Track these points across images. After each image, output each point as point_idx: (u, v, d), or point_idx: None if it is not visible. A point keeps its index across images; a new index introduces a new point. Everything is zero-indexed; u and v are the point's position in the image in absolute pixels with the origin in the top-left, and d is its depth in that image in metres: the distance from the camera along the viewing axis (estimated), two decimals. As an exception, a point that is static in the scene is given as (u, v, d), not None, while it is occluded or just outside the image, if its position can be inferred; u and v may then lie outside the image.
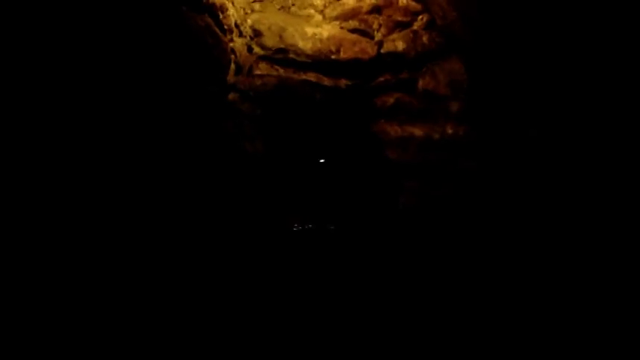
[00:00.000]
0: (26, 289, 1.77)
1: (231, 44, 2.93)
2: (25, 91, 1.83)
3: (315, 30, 3.20)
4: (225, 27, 2.85)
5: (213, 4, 2.71)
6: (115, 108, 2.16)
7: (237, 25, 3.01)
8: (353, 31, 3.24)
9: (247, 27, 3.14)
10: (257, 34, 3.17)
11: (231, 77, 2.94)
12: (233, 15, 2.95)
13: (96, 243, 2.07)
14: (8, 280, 1.72)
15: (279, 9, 3.26)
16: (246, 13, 3.15)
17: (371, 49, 3.20)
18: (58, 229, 1.92)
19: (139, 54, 2.27)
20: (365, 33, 3.24)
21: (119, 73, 2.17)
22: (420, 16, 3.26)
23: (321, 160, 3.33)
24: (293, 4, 3.28)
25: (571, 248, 2.49)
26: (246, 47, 3.13)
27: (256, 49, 3.17)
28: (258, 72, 3.15)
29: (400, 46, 3.22)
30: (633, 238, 2.21)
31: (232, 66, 2.96)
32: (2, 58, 1.75)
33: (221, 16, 2.80)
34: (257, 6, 3.22)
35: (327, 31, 3.21)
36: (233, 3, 2.99)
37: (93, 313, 2.02)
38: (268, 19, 3.19)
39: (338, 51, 3.19)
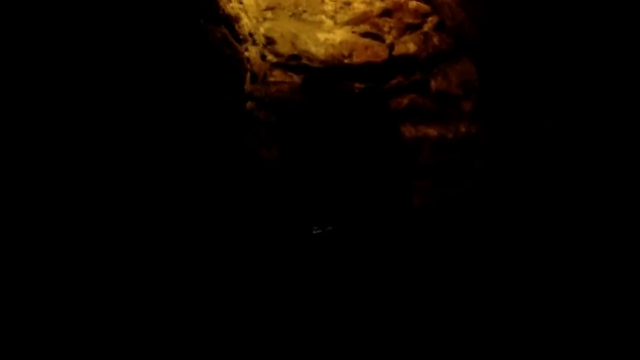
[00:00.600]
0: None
1: (246, 53, 2.97)
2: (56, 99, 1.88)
3: (327, 35, 3.25)
4: (241, 37, 2.90)
5: (229, 15, 2.76)
6: (140, 118, 2.21)
7: (251, 34, 3.05)
8: (364, 35, 3.28)
9: (260, 35, 3.19)
10: (270, 41, 3.22)
11: (247, 86, 2.99)
12: (247, 24, 3.00)
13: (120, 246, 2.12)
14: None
15: (290, 16, 3.31)
16: (259, 22, 3.20)
17: (383, 52, 3.25)
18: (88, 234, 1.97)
19: (163, 67, 2.32)
20: (376, 36, 3.28)
21: (144, 85, 2.22)
22: (430, 18, 3.31)
23: (337, 164, 3.38)
24: (304, 11, 3.32)
25: (588, 247, 2.52)
26: (259, 55, 3.17)
27: (270, 57, 3.22)
28: (272, 79, 3.20)
29: (411, 48, 3.27)
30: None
31: (248, 75, 3.00)
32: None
33: (236, 27, 2.84)
34: (269, 14, 3.27)
35: (339, 36, 3.26)
36: (246, 12, 3.03)
37: (110, 314, 2.06)
38: (281, 27, 3.24)
39: (350, 55, 3.24)
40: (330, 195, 3.38)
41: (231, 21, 2.80)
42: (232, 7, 2.84)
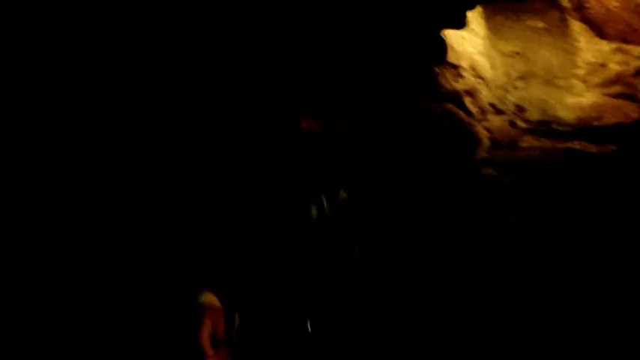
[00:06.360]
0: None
1: (484, 123, 3.21)
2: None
3: (577, 99, 3.21)
4: (473, 109, 3.17)
5: (454, 91, 3.09)
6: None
7: (492, 105, 3.27)
8: (615, 96, 3.12)
9: (509, 104, 3.36)
10: (520, 109, 3.35)
11: (483, 153, 3.21)
12: (485, 97, 3.25)
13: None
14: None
15: (540, 83, 3.38)
16: (507, 91, 3.38)
17: (634, 113, 3.03)
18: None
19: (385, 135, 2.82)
20: (629, 97, 3.09)
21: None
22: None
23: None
24: (555, 77, 3.35)
25: None
26: (508, 123, 3.34)
27: (520, 124, 3.35)
28: (523, 144, 3.32)
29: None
30: None
31: (487, 142, 3.22)
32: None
33: (466, 100, 3.14)
34: (519, 83, 3.41)
35: (588, 99, 3.18)
36: (487, 85, 3.28)
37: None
38: (530, 94, 3.35)
39: (600, 117, 3.12)
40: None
41: (459, 96, 3.11)
42: (465, 83, 3.15)
